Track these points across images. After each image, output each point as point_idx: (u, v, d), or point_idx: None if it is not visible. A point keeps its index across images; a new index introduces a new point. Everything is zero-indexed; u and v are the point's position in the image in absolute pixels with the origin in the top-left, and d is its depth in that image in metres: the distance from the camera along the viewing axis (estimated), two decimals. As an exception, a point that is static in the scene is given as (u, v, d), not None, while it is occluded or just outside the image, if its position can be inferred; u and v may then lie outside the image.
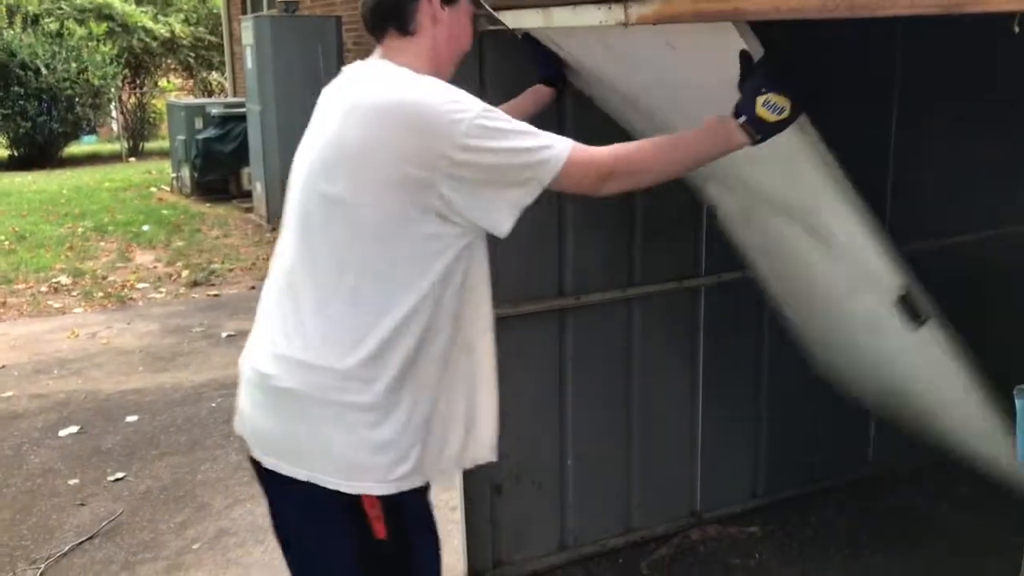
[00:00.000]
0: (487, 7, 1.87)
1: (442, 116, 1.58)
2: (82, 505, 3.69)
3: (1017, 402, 1.65)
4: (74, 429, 4.42)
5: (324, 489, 1.66)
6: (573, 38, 2.15)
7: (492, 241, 1.72)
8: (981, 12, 1.19)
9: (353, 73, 1.76)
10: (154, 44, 16.40)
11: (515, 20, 2.16)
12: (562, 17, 1.98)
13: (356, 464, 1.66)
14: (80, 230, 9.25)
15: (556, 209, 2.79)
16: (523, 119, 1.72)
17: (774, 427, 3.35)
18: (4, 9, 15.20)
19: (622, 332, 3.03)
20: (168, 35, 16.45)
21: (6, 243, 8.66)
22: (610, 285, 2.96)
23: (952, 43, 2.39)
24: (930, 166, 3.21)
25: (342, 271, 1.64)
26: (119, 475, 3.93)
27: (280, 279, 1.75)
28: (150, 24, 16.29)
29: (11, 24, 15.02)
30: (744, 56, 1.67)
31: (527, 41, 2.39)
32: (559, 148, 1.64)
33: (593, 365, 2.98)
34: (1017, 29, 1.16)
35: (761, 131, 1.69)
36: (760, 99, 1.65)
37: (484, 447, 1.86)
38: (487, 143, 1.58)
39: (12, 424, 4.49)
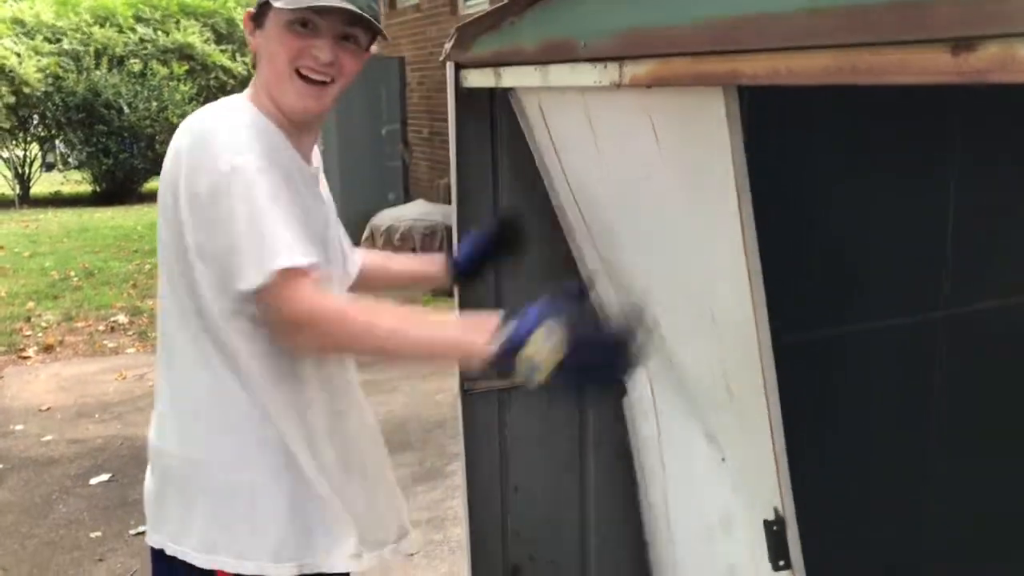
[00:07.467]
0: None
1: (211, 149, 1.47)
2: (100, 560, 3.62)
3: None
4: (105, 477, 4.38)
5: None
6: (562, 114, 1.97)
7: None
8: (1008, 82, 0.98)
9: None
10: (231, 82, 16.83)
11: (514, 78, 2.01)
12: (559, 76, 1.83)
13: None
14: (147, 267, 9.41)
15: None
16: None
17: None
18: (93, 51, 15.81)
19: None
20: (245, 73, 16.87)
21: (75, 279, 8.87)
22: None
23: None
24: (994, 220, 2.93)
25: None
26: (141, 529, 3.85)
27: None
28: (228, 63, 16.73)
29: (98, 65, 15.61)
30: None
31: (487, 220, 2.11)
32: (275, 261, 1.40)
33: (611, 439, 2.77)
34: None
35: (505, 367, 1.30)
36: (540, 332, 1.28)
37: None
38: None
39: (46, 471, 4.48)
